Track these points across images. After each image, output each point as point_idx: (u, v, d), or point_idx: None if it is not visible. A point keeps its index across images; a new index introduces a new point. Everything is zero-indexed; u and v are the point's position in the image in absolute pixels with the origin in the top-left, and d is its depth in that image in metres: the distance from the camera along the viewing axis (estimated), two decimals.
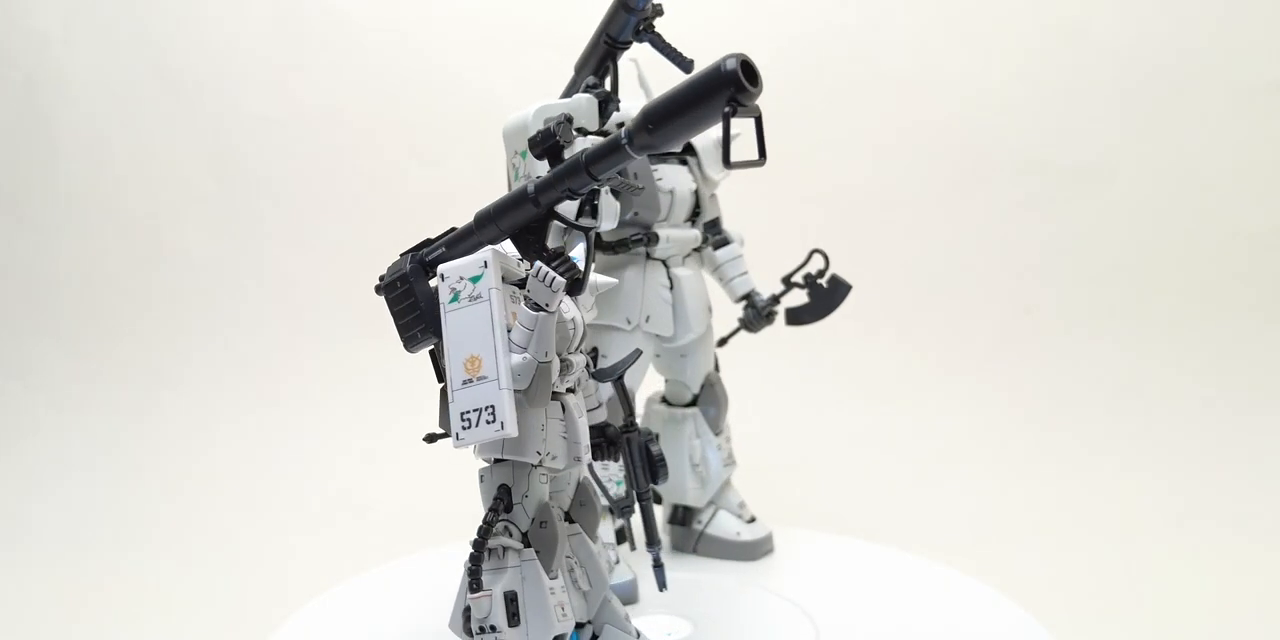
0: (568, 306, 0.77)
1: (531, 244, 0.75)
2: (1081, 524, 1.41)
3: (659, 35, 0.95)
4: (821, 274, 1.17)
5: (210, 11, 2.13)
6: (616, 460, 0.87)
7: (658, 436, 0.88)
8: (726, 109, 0.60)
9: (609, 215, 0.97)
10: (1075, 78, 1.98)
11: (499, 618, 0.75)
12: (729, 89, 0.59)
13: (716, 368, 1.21)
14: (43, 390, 2.04)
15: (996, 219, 2.00)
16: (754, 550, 1.18)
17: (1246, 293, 1.90)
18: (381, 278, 0.78)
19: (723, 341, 1.22)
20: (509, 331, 0.71)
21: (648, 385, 1.18)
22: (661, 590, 0.98)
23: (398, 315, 0.77)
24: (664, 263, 1.11)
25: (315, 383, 1.97)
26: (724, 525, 1.19)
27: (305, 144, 2.12)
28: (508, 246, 0.78)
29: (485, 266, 0.70)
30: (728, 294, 1.18)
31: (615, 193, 1.02)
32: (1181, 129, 1.94)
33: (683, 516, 1.22)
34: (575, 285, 0.72)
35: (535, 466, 0.77)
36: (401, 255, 0.79)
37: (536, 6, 2.07)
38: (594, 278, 0.82)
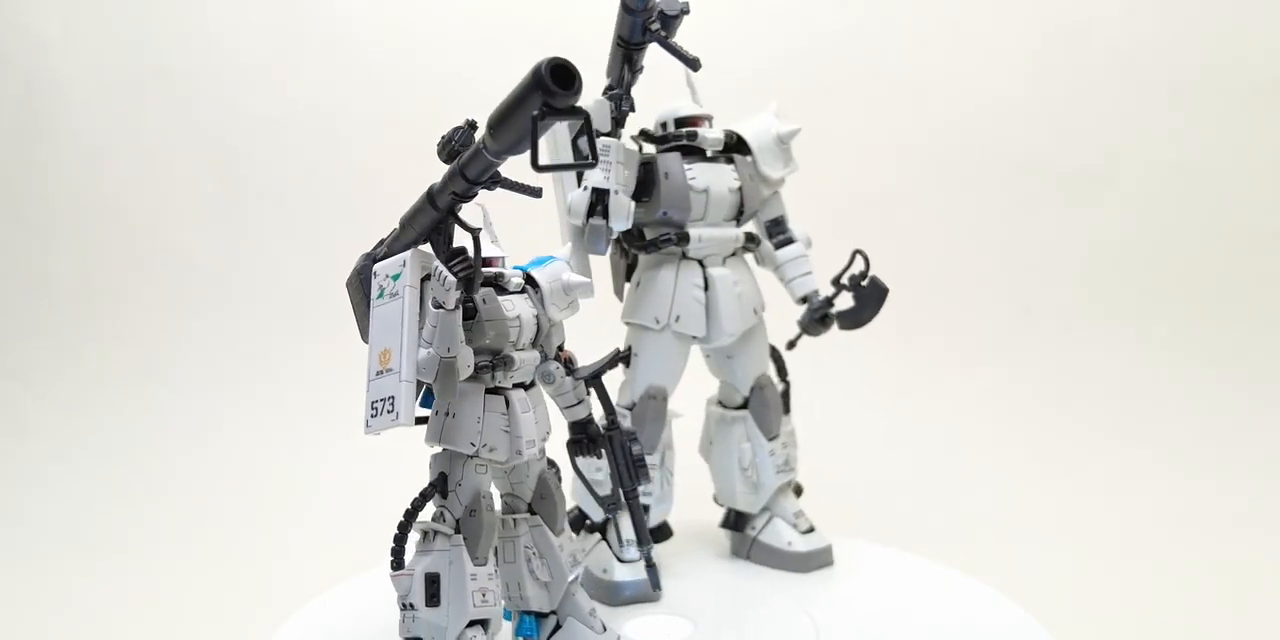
0: (514, 304, 0.81)
1: (439, 244, 0.78)
2: (1082, 524, 1.41)
3: (664, 35, 0.94)
4: (864, 276, 1.12)
5: (209, 12, 2.13)
6: (600, 457, 0.89)
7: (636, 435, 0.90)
8: (535, 112, 0.62)
9: (619, 215, 0.97)
10: (1077, 79, 1.98)
11: (417, 597, 0.79)
12: (539, 92, 0.61)
13: (784, 372, 1.18)
14: (43, 390, 2.04)
15: (997, 219, 2.00)
16: (806, 562, 1.13)
17: (1248, 292, 1.90)
18: None
19: (790, 344, 1.17)
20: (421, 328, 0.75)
21: (696, 386, 1.16)
22: (655, 590, 0.98)
23: (355, 309, 0.84)
24: (700, 263, 1.08)
25: (316, 382, 1.97)
26: (777, 533, 1.15)
27: (305, 144, 2.12)
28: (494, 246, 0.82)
29: (404, 266, 0.75)
30: (789, 295, 1.14)
31: (642, 192, 1.03)
32: (1182, 129, 1.94)
33: (735, 521, 1.18)
34: (467, 283, 0.74)
35: (471, 457, 0.81)
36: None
37: (536, 6, 2.07)
38: (567, 277, 0.85)
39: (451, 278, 0.72)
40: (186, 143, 2.14)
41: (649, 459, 1.09)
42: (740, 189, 1.08)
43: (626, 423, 0.99)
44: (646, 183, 1.05)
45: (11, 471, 1.78)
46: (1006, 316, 1.96)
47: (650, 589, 1.04)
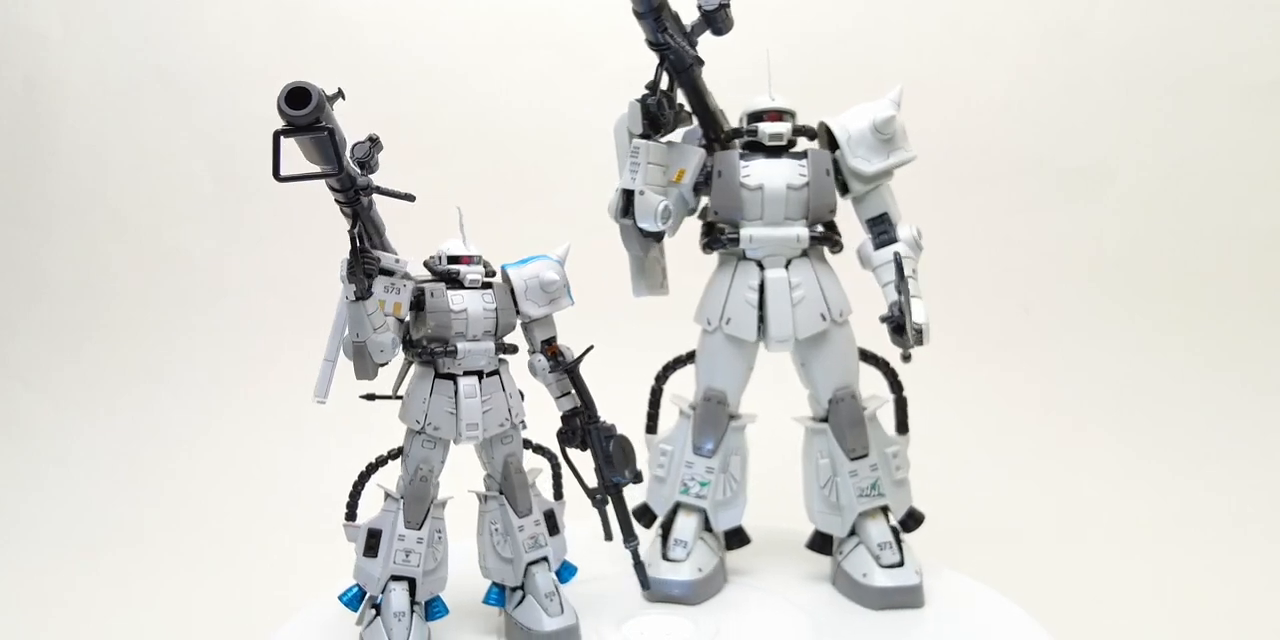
0: (463, 298, 0.91)
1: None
2: (1081, 524, 1.41)
3: (669, 35, 0.94)
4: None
5: (210, 12, 2.13)
6: (584, 449, 0.95)
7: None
8: (277, 129, 0.73)
9: (645, 216, 0.97)
10: (1075, 78, 1.98)
11: (359, 546, 0.93)
12: (281, 113, 0.71)
13: (896, 387, 1.10)
14: (43, 390, 2.04)
15: (996, 219, 2.00)
16: (879, 598, 1.02)
17: (1247, 292, 1.89)
18: None
19: (904, 357, 1.00)
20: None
21: (763, 393, 1.11)
22: (645, 589, 0.98)
23: None
24: (759, 264, 1.03)
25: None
26: (856, 563, 1.04)
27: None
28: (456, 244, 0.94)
29: None
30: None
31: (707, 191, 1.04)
32: (1182, 129, 1.94)
33: (819, 543, 1.11)
34: (351, 277, 0.83)
35: (418, 433, 0.92)
36: None
37: (537, 8, 2.07)
38: (544, 275, 0.94)
39: (342, 273, 0.82)
40: (186, 143, 2.14)
41: (708, 462, 1.06)
42: (807, 185, 1.01)
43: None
44: (710, 181, 1.03)
45: (12, 471, 1.78)
46: (1006, 316, 1.96)
47: (687, 591, 1.03)
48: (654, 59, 0.95)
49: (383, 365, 0.90)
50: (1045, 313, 1.96)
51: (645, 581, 0.99)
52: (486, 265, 0.95)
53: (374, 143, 0.86)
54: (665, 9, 0.92)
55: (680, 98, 1.00)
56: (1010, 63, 2.00)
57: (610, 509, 0.98)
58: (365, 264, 0.84)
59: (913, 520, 1.10)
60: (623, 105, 0.99)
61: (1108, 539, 1.36)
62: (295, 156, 0.84)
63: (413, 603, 0.92)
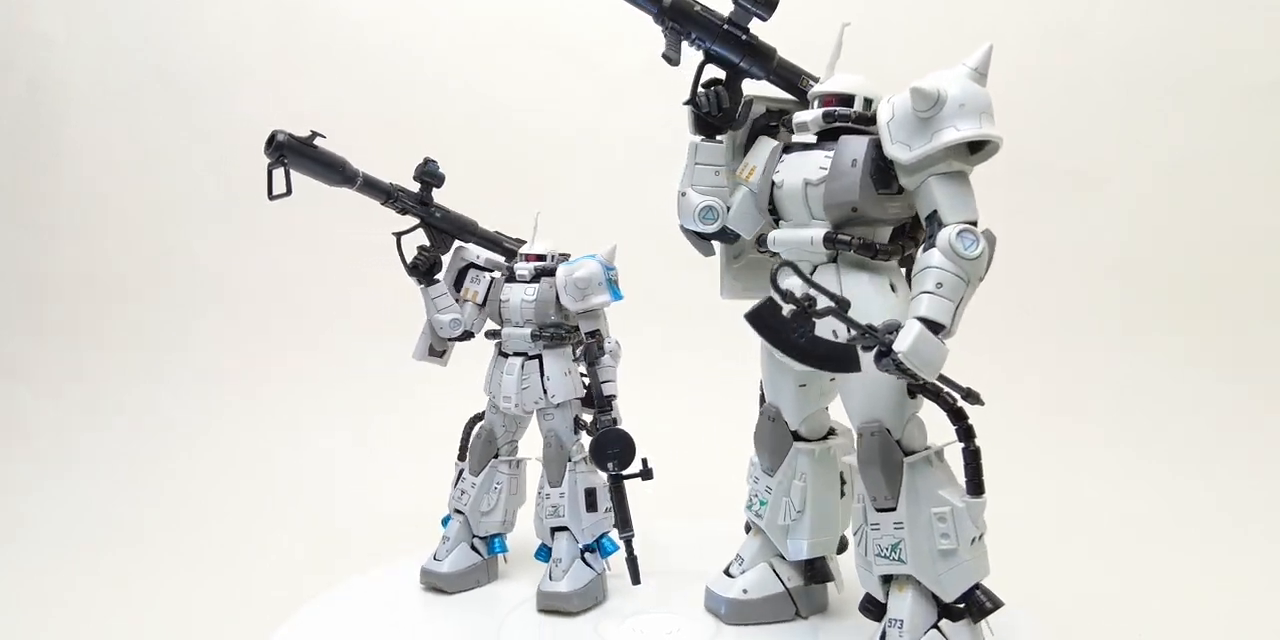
0: (510, 290, 1.06)
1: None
2: (1081, 525, 1.41)
3: (671, 32, 0.94)
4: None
5: (212, 13, 2.13)
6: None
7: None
8: (269, 159, 1.03)
9: (684, 216, 0.97)
10: (1075, 79, 1.98)
11: (453, 480, 1.12)
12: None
13: (964, 435, 0.90)
14: (44, 390, 2.04)
15: (995, 220, 1.99)
16: None
17: (1247, 292, 1.89)
18: None
19: (968, 395, 0.85)
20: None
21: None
22: (635, 584, 0.98)
23: None
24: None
25: (317, 383, 1.97)
26: (881, 633, 0.86)
27: None
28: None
29: None
30: None
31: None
32: (1181, 129, 1.94)
33: (870, 605, 0.89)
34: (410, 270, 1.07)
35: (490, 399, 1.09)
36: None
37: (537, 10, 2.07)
38: (577, 273, 1.02)
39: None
40: (187, 143, 2.14)
41: (769, 481, 0.98)
42: (823, 181, 0.86)
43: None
44: None
45: (11, 471, 1.78)
46: (1006, 316, 1.96)
47: (717, 605, 0.99)
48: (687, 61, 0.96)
49: (452, 340, 1.08)
50: (1045, 313, 1.95)
51: (636, 577, 0.99)
52: (559, 259, 1.07)
53: (428, 161, 1.08)
54: (669, 11, 0.91)
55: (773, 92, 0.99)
56: (1010, 63, 2.00)
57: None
58: (417, 259, 1.05)
59: (974, 607, 0.84)
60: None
61: (1108, 539, 1.36)
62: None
63: (473, 535, 1.10)
